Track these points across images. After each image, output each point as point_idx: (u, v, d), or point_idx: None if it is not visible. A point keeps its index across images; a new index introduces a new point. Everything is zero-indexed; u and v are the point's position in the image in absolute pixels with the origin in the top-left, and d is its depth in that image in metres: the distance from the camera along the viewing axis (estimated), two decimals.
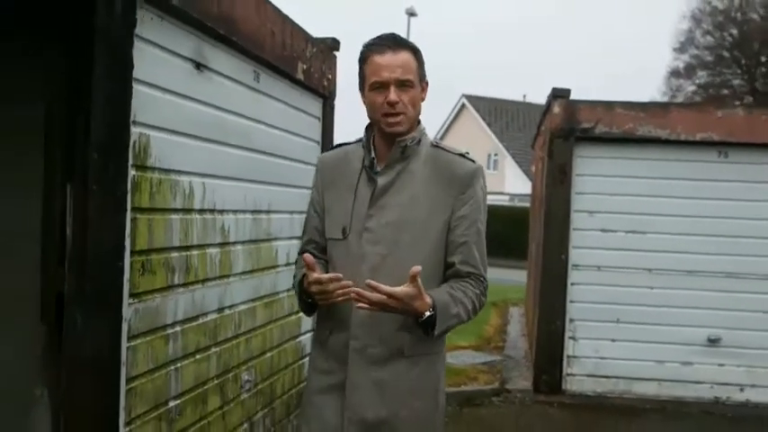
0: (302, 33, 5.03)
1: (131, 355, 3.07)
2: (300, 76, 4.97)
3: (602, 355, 7.52)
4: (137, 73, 3.01)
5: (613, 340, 7.50)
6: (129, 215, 2.99)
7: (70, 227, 2.75)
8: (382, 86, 2.59)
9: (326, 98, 5.62)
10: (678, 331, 7.42)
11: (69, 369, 2.83)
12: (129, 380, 3.07)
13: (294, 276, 2.82)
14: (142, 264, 3.12)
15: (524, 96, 46.60)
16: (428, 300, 2.51)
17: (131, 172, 3.01)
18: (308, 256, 2.56)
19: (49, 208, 2.81)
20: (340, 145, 2.88)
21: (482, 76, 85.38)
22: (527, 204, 22.46)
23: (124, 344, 3.02)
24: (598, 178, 7.49)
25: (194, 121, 3.56)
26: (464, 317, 2.66)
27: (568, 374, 7.54)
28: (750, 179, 7.32)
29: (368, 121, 2.75)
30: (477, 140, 43.35)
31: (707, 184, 7.36)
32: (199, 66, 3.61)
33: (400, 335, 2.61)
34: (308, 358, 3.71)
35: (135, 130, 3.03)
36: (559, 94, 7.49)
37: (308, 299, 2.64)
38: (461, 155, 2.74)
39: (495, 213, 22.65)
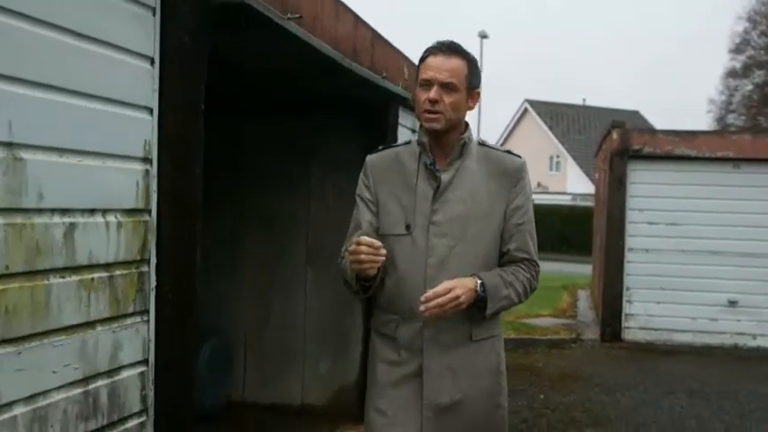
0: None
1: None
2: None
3: (650, 313, 10.16)
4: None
5: (658, 302, 10.12)
6: None
7: None
8: (428, 85, 2.64)
9: None
10: (706, 296, 9.99)
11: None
12: None
13: (344, 268, 2.76)
14: None
15: (584, 100, 47.29)
16: (474, 277, 2.61)
17: None
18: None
19: None
20: (387, 147, 2.91)
21: (544, 82, 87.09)
22: (589, 204, 24.41)
23: None
24: (646, 185, 10.10)
25: None
26: (515, 299, 2.73)
27: (626, 327, 10.21)
28: (756, 184, 9.89)
29: None
30: (539, 143, 44.15)
31: (725, 189, 9.93)
32: (414, 131, 6.54)
33: (467, 320, 2.67)
34: None
35: None
36: (617, 125, 10.27)
37: (365, 284, 2.66)
38: (508, 151, 2.84)
39: (557, 213, 25.07)
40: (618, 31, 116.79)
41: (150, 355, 2.78)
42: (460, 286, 2.54)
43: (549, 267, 20.23)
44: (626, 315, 10.24)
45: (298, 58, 3.96)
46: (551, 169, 44.28)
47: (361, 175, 2.83)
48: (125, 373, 2.65)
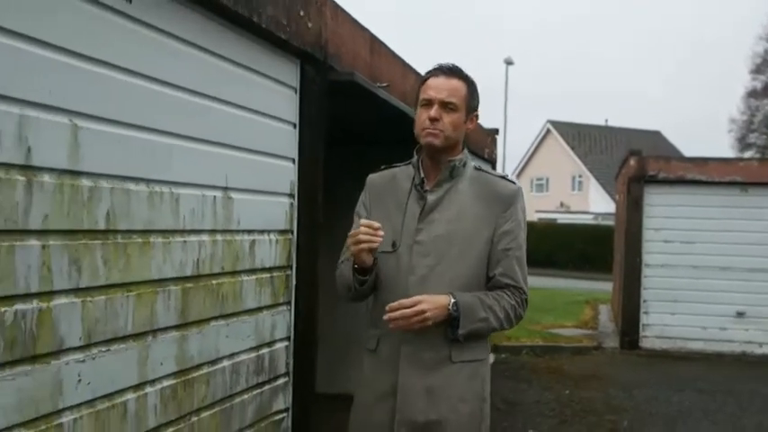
0: (487, 132, 9.07)
1: None
2: (485, 155, 9.01)
3: (665, 323, 11.11)
4: None
5: (673, 314, 11.06)
6: None
7: None
8: (428, 104, 2.69)
9: (493, 164, 9.65)
10: (716, 307, 10.90)
11: None
12: None
13: (341, 270, 2.85)
14: None
15: (606, 121, 48.32)
16: (449, 296, 2.60)
17: None
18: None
19: None
20: (389, 166, 2.94)
21: (566, 103, 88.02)
22: (610, 223, 25.07)
23: None
24: (661, 207, 11.06)
25: None
26: (494, 323, 2.67)
27: (643, 336, 11.17)
28: (762, 206, 10.79)
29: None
30: (561, 163, 45.09)
31: (733, 210, 10.85)
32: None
33: (447, 341, 2.65)
34: None
35: None
36: (634, 153, 11.33)
37: (360, 278, 2.71)
38: (503, 177, 2.85)
39: (580, 232, 25.73)
40: (637, 51, 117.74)
41: (291, 333, 3.90)
42: (429, 301, 2.57)
43: (572, 284, 21.71)
44: (643, 325, 11.21)
45: (379, 112, 5.09)
46: (574, 189, 45.14)
47: (362, 193, 2.94)
48: (277, 345, 3.77)
